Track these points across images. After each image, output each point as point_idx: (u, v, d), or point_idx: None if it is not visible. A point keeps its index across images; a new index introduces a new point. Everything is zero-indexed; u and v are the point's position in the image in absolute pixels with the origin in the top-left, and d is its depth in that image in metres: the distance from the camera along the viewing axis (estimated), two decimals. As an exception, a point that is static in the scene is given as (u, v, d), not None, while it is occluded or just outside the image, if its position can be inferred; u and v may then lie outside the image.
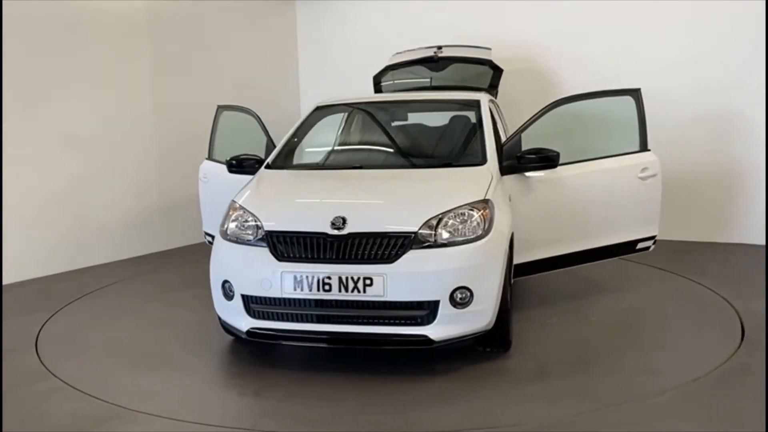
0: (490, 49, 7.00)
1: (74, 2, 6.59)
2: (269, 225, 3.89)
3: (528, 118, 4.73)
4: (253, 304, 3.85)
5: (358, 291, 3.65)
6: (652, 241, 5.08)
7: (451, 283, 3.66)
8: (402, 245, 3.68)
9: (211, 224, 5.45)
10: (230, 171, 4.95)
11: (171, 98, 7.60)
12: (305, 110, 5.59)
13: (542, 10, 7.79)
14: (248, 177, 4.69)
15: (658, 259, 5.96)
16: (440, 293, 3.65)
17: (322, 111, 5.36)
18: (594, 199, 4.82)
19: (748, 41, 6.89)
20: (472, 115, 5.07)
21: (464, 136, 5.04)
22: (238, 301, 3.88)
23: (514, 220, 4.35)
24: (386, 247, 3.68)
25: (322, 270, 3.69)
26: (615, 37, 7.44)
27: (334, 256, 3.70)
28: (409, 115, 5.78)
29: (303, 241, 3.77)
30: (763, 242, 6.97)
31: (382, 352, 4.08)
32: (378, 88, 7.18)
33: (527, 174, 4.60)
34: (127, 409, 3.50)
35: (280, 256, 3.78)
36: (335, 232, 3.73)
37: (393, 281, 3.62)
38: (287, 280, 3.72)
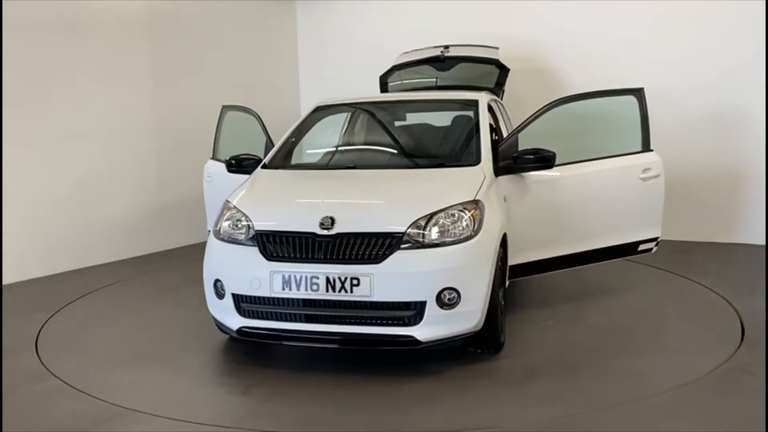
0: (497, 48, 6.98)
1: (74, 2, 6.59)
2: (259, 225, 3.93)
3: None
4: (244, 303, 3.89)
5: (346, 291, 3.66)
6: (655, 243, 5.03)
7: (437, 284, 3.65)
8: (389, 245, 3.68)
9: None
10: (229, 171, 4.97)
11: (171, 98, 7.60)
12: (305, 110, 5.60)
13: (548, 10, 7.76)
14: (247, 177, 4.70)
15: (659, 259, 5.95)
16: (427, 294, 3.65)
17: (321, 111, 5.36)
18: (594, 199, 4.78)
19: (754, 40, 6.87)
20: (472, 115, 5.07)
21: (461, 137, 5.02)
22: (228, 300, 3.92)
23: (509, 220, 4.35)
24: (373, 247, 3.69)
25: (310, 270, 3.71)
26: (622, 37, 7.42)
27: (322, 256, 3.72)
28: (413, 115, 5.78)
29: (292, 240, 3.80)
30: (763, 242, 6.97)
31: (372, 352, 4.08)
32: (384, 88, 7.16)
33: (526, 174, 4.58)
34: (127, 408, 3.50)
35: (269, 256, 3.81)
36: (324, 232, 3.75)
37: (379, 281, 3.63)
38: (276, 279, 3.75)
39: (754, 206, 7.06)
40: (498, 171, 4.42)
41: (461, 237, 3.76)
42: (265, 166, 4.76)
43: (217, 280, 3.98)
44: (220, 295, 3.98)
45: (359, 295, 3.65)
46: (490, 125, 5.37)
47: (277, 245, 3.82)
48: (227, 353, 4.32)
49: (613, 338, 4.43)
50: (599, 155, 4.83)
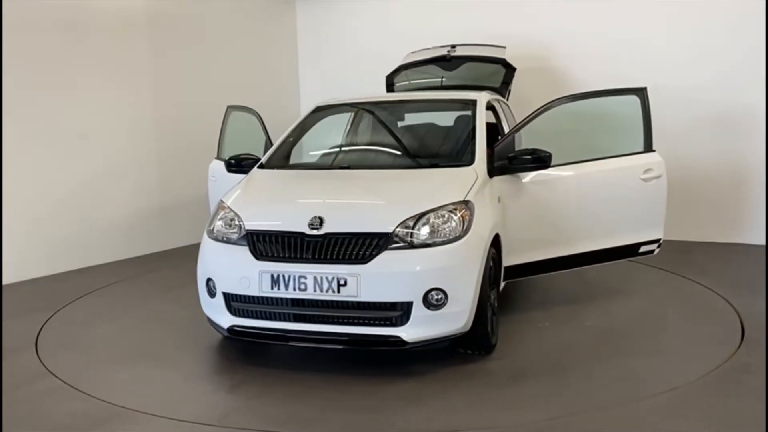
0: (504, 47, 6.96)
1: (74, 2, 6.59)
2: (250, 224, 3.96)
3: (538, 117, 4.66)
4: (234, 302, 3.91)
5: (333, 291, 3.67)
6: (657, 245, 4.96)
7: (424, 285, 3.65)
8: (377, 246, 3.69)
9: None
10: (229, 171, 4.99)
11: (171, 98, 7.60)
12: (305, 110, 5.60)
13: (553, 10, 7.76)
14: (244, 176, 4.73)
15: (659, 259, 5.94)
16: (413, 294, 3.65)
17: (321, 111, 5.37)
18: (592, 200, 4.73)
19: (761, 39, 6.88)
20: (470, 116, 5.06)
21: (457, 137, 5.00)
22: (220, 299, 3.95)
23: (504, 221, 4.34)
24: (361, 247, 3.70)
25: (298, 269, 3.73)
26: (630, 37, 7.41)
27: (310, 256, 3.74)
28: (416, 115, 5.78)
29: (281, 240, 3.83)
30: (763, 242, 6.97)
31: (361, 352, 4.08)
32: (391, 88, 7.16)
33: (522, 175, 4.55)
34: (128, 408, 3.51)
35: (259, 255, 3.84)
36: (312, 232, 3.77)
37: (366, 282, 3.64)
38: (265, 279, 3.77)
39: (754, 206, 7.06)
40: (493, 171, 4.40)
41: (449, 238, 3.75)
42: (262, 166, 4.79)
43: (209, 279, 4.02)
44: (212, 293, 4.02)
45: (346, 295, 3.66)
46: (491, 125, 5.37)
47: (267, 245, 3.85)
48: (221, 351, 4.34)
49: (609, 340, 4.41)
50: (600, 155, 4.78)
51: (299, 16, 9.52)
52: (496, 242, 4.17)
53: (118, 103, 7.06)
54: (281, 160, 4.90)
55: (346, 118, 5.80)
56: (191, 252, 4.24)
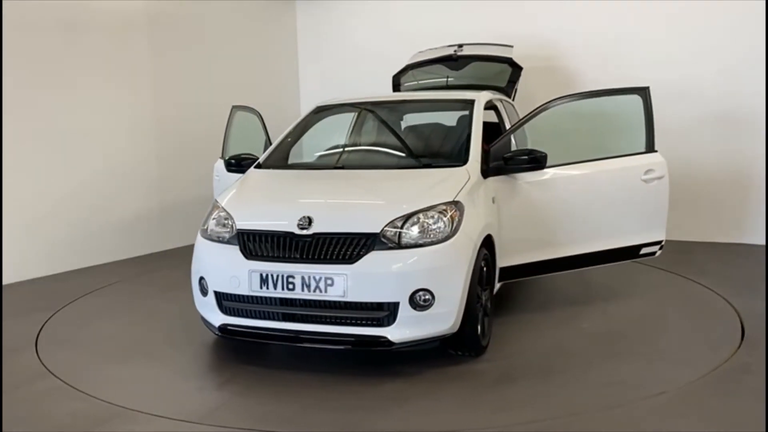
0: (511, 46, 6.93)
1: (74, 2, 6.59)
2: (241, 224, 3.98)
3: (540, 117, 4.64)
4: (225, 301, 3.95)
5: (320, 291, 3.68)
6: (659, 247, 4.89)
7: (411, 285, 3.65)
8: (364, 246, 3.69)
9: None
10: (228, 170, 5.04)
11: (171, 98, 7.60)
12: (305, 110, 5.60)
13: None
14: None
15: (659, 259, 5.91)
16: (400, 295, 3.65)
17: (320, 111, 5.37)
18: (591, 201, 4.68)
19: (760, 39, 6.89)
20: (467, 116, 5.03)
21: (453, 137, 4.97)
22: (211, 298, 3.99)
23: (498, 222, 4.33)
24: (348, 247, 3.70)
25: (287, 269, 3.74)
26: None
27: (299, 256, 3.75)
28: (417, 116, 5.76)
29: (271, 240, 3.84)
30: (763, 242, 6.97)
31: (351, 352, 4.07)
32: (397, 88, 7.15)
33: (519, 175, 4.51)
34: (128, 408, 3.51)
35: (249, 255, 3.86)
36: (301, 231, 3.78)
37: (353, 282, 3.64)
38: (254, 278, 3.79)
39: (755, 206, 7.06)
40: (488, 172, 4.38)
41: (437, 238, 3.75)
42: (259, 166, 4.80)
43: (201, 278, 4.07)
44: (204, 292, 4.06)
45: (333, 295, 3.67)
46: (493, 124, 5.36)
47: (257, 244, 3.87)
48: (214, 350, 4.37)
49: (605, 342, 4.37)
50: (601, 155, 4.73)
51: (299, 16, 9.52)
52: (489, 243, 4.15)
53: (118, 103, 7.06)
54: (278, 160, 4.91)
55: (345, 118, 5.80)
56: (191, 252, 4.26)
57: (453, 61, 6.78)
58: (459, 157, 4.46)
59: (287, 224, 3.82)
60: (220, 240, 4.04)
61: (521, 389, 3.68)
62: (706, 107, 7.18)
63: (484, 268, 4.09)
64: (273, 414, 3.43)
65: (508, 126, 5.41)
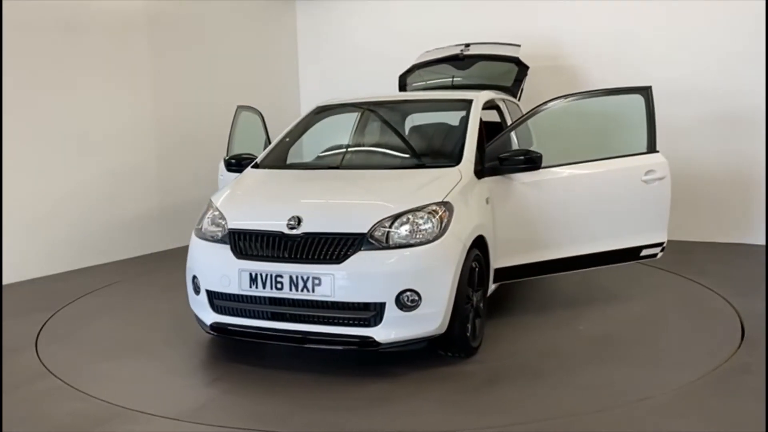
0: (519, 46, 6.90)
1: (74, 2, 6.59)
2: (233, 223, 4.00)
3: (542, 116, 4.61)
4: (216, 300, 3.98)
5: (308, 290, 3.70)
6: (660, 248, 4.82)
7: (397, 286, 3.64)
8: (352, 246, 3.70)
9: None
10: (228, 170, 5.06)
11: (172, 98, 7.60)
12: (305, 110, 5.60)
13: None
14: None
15: (659, 259, 5.93)
16: (386, 295, 3.64)
17: (320, 112, 5.37)
18: (590, 202, 4.62)
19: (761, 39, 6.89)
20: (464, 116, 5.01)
21: (449, 138, 4.95)
22: (203, 296, 4.03)
23: (492, 223, 4.31)
24: (336, 247, 3.71)
25: (275, 268, 3.76)
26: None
27: (288, 255, 3.77)
28: (421, 116, 5.76)
29: (261, 239, 3.86)
30: (763, 242, 6.97)
31: (341, 352, 4.07)
32: (403, 88, 7.14)
33: (515, 176, 4.46)
34: (128, 408, 3.51)
35: (239, 254, 3.88)
36: (290, 231, 3.79)
37: (340, 282, 3.65)
38: (244, 277, 3.82)
39: (755, 206, 7.06)
40: (483, 172, 4.37)
41: (425, 239, 3.74)
42: (256, 166, 4.82)
43: (194, 277, 4.10)
44: (197, 291, 4.10)
45: (321, 294, 3.68)
46: (495, 124, 5.36)
47: (247, 243, 3.89)
48: (209, 348, 4.40)
49: (600, 344, 4.32)
50: (600, 156, 4.68)
51: (299, 16, 9.53)
52: (481, 244, 4.14)
53: (118, 104, 7.06)
54: (275, 160, 4.92)
55: (346, 118, 5.80)
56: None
57: (459, 60, 6.76)
58: (453, 158, 4.45)
59: (277, 224, 3.84)
60: (212, 239, 4.07)
61: (508, 391, 3.66)
62: (706, 107, 7.18)
63: (476, 269, 4.07)
64: (257, 413, 3.45)
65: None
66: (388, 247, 3.71)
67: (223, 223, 4.05)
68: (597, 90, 4.82)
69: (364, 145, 5.48)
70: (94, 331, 4.83)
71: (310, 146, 5.42)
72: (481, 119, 5.15)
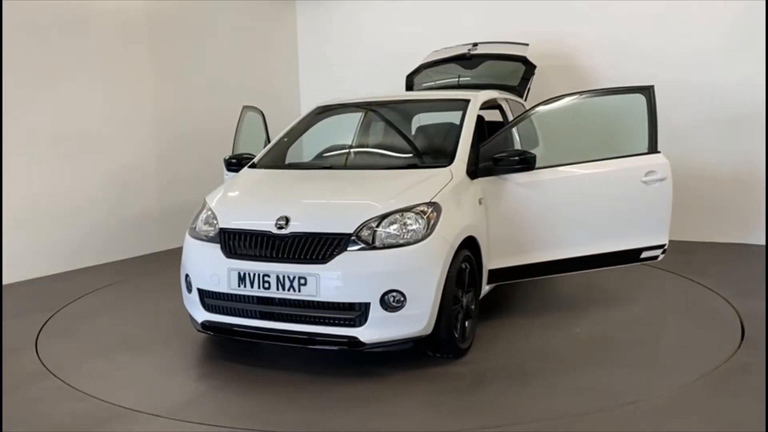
0: (527, 45, 6.88)
1: (74, 2, 6.59)
2: (224, 223, 4.04)
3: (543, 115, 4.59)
4: (207, 298, 4.02)
5: (294, 290, 3.71)
6: (661, 250, 4.75)
7: (382, 286, 3.65)
8: (338, 246, 3.71)
9: None
10: (228, 170, 5.09)
11: (172, 98, 7.61)
12: (305, 110, 5.60)
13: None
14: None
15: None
16: (371, 295, 3.65)
17: (321, 112, 5.37)
18: (587, 203, 4.57)
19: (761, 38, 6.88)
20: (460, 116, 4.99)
21: (446, 138, 4.91)
22: (195, 295, 4.07)
23: (486, 223, 4.30)
24: (322, 247, 3.72)
25: (263, 268, 3.79)
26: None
27: (276, 255, 3.79)
28: (431, 115, 5.75)
29: (250, 239, 3.89)
30: (763, 242, 6.97)
31: (331, 351, 4.07)
32: (410, 88, 7.12)
33: (510, 176, 4.43)
34: (128, 408, 3.51)
35: (228, 253, 3.91)
36: (278, 231, 3.81)
37: (325, 282, 3.67)
38: (233, 276, 3.85)
39: (755, 206, 7.06)
40: (477, 172, 4.36)
41: (411, 239, 3.74)
42: (253, 166, 4.83)
43: (187, 275, 4.15)
44: (189, 289, 4.14)
45: (306, 294, 3.70)
46: (497, 124, 5.35)
47: (237, 243, 3.93)
48: (202, 347, 4.42)
49: (597, 345, 4.27)
50: (601, 156, 4.62)
51: (299, 16, 9.53)
52: (472, 245, 4.13)
53: (118, 103, 7.06)
54: (272, 160, 4.93)
55: (346, 118, 5.80)
56: (191, 252, 4.30)
57: (466, 60, 6.74)
58: (444, 158, 4.43)
59: (266, 224, 3.87)
60: (205, 238, 4.11)
61: (493, 393, 3.63)
62: (706, 106, 7.17)
63: (466, 270, 4.05)
64: (241, 410, 3.48)
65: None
66: (375, 248, 3.71)
67: (215, 222, 4.08)
68: (598, 89, 4.79)
69: (361, 146, 5.49)
70: (94, 331, 4.83)
71: (310, 146, 5.42)
72: (483, 119, 5.15)
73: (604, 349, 4.23)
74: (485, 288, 4.48)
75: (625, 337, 4.46)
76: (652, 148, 4.68)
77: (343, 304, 3.69)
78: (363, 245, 3.71)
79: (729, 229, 7.22)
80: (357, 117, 5.79)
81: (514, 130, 4.86)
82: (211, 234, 4.08)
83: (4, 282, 6.03)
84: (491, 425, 3.25)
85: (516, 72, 6.65)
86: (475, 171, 4.36)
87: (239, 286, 3.83)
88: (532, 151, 4.42)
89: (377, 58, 8.75)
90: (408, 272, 3.69)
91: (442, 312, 3.80)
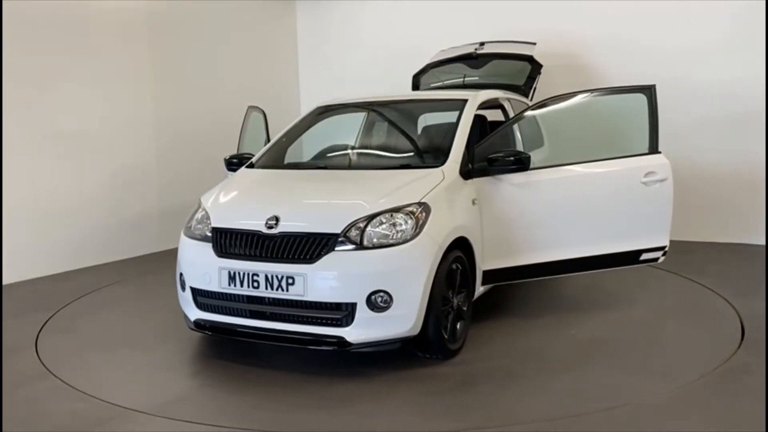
0: (534, 44, 6.84)
1: (74, 2, 6.59)
2: (216, 222, 4.07)
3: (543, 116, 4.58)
4: (199, 297, 4.07)
5: (282, 289, 3.74)
6: (662, 252, 4.70)
7: (368, 286, 3.65)
8: (326, 246, 3.72)
9: None
10: (229, 169, 5.07)
11: (172, 99, 7.60)
12: (305, 110, 5.61)
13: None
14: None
15: (659, 259, 5.96)
16: (357, 295, 3.66)
17: (321, 112, 5.37)
18: (583, 204, 4.52)
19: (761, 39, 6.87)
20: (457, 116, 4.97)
21: (440, 138, 4.88)
22: (188, 293, 4.11)
23: (479, 224, 4.28)
24: (310, 247, 3.73)
25: (252, 267, 3.81)
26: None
27: (265, 254, 3.81)
28: (436, 115, 5.74)
29: (240, 238, 3.91)
30: (763, 242, 6.97)
31: (321, 350, 4.05)
32: (416, 88, 7.11)
33: (506, 177, 4.40)
34: (128, 408, 3.51)
35: (220, 252, 3.94)
36: (268, 231, 3.83)
37: (312, 281, 3.68)
38: (223, 275, 3.88)
39: (755, 206, 7.05)
40: (471, 173, 4.34)
41: (399, 239, 3.74)
42: (251, 166, 4.84)
43: (181, 274, 4.19)
44: (183, 287, 4.18)
45: (294, 294, 3.72)
46: (498, 124, 5.34)
47: (228, 242, 3.95)
48: (198, 346, 4.43)
49: (592, 347, 4.25)
50: (599, 156, 4.58)
51: (299, 16, 9.52)
52: (465, 246, 4.12)
53: (118, 103, 7.06)
54: (270, 160, 4.93)
55: (346, 118, 5.80)
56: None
57: (473, 59, 6.72)
58: (438, 158, 4.42)
59: (256, 223, 3.89)
60: (199, 238, 4.14)
61: (477, 394, 3.61)
62: (706, 106, 7.17)
63: (458, 271, 4.03)
64: (226, 409, 3.50)
65: (514, 125, 5.38)
66: (363, 248, 3.71)
67: (208, 221, 4.11)
68: (599, 89, 4.78)
69: (359, 146, 5.49)
70: (95, 331, 4.83)
71: (310, 146, 5.41)
72: (485, 119, 5.13)
73: (603, 350, 4.23)
74: (480, 289, 4.46)
75: (624, 338, 4.45)
76: (653, 148, 4.63)
77: (330, 303, 3.71)
78: (351, 245, 3.72)
79: (729, 229, 7.22)
80: (357, 117, 5.79)
81: (516, 130, 4.83)
82: (205, 233, 4.11)
83: (4, 282, 6.03)
84: (476, 426, 3.24)
85: (522, 71, 6.61)
86: (469, 171, 4.35)
87: (230, 285, 3.86)
88: (536, 152, 4.42)
89: (377, 58, 8.75)
90: (395, 272, 3.69)
91: (430, 312, 3.79)
